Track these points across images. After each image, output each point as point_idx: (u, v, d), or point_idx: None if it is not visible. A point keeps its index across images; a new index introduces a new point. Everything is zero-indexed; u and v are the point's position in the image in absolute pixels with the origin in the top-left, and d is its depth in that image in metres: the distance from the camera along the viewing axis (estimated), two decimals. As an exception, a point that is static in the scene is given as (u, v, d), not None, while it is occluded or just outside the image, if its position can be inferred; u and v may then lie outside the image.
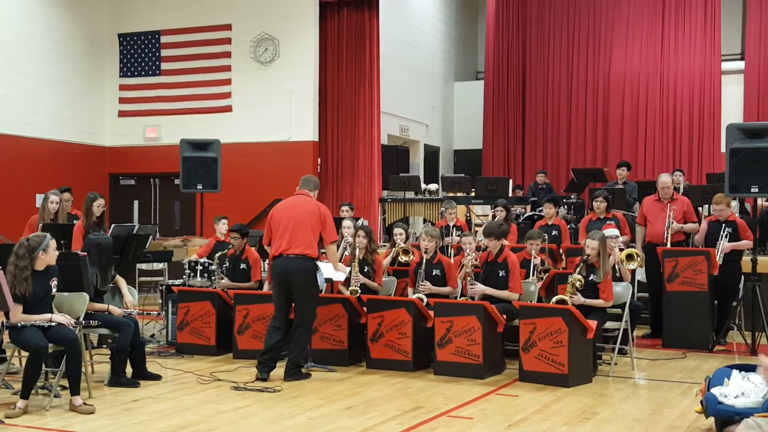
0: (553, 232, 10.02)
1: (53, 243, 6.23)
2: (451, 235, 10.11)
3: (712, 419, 5.46)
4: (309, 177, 7.63)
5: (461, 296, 8.01)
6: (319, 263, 7.31)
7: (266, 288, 8.46)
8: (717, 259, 8.74)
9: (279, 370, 7.16)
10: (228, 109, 13.93)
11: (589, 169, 14.57)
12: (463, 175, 14.70)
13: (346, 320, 7.81)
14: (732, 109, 15.93)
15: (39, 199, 10.82)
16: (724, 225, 8.95)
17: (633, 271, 8.40)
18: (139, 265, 10.77)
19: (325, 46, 13.87)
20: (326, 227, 7.25)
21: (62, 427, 5.61)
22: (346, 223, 9.06)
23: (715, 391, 5.39)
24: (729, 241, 8.87)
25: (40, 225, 9.05)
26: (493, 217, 10.78)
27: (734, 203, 10.39)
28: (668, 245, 9.04)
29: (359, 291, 8.00)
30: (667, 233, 9.12)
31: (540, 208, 11.67)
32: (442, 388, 6.90)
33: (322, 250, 7.58)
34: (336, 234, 7.49)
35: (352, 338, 7.82)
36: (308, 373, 7.32)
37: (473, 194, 13.27)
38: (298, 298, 7.17)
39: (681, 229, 9.23)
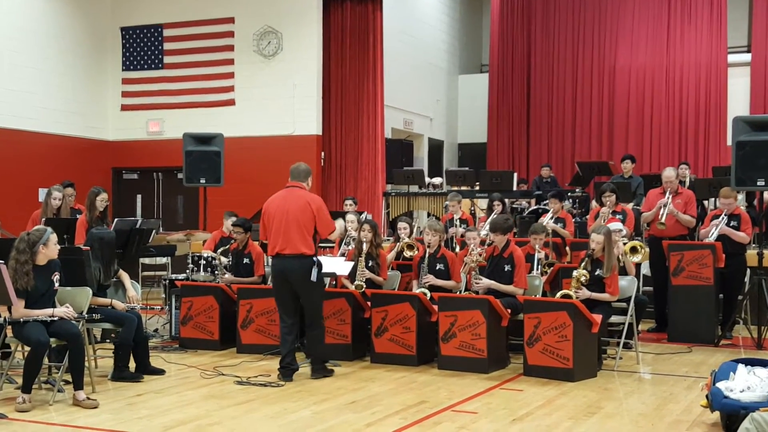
0: (559, 226, 9.97)
1: (54, 237, 6.20)
2: (456, 227, 10.08)
3: (717, 413, 5.44)
4: (299, 166, 7.24)
5: (465, 290, 7.98)
6: (320, 257, 7.25)
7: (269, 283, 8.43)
8: (709, 236, 8.76)
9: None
10: (231, 102, 13.91)
11: (594, 162, 14.54)
12: (467, 168, 14.68)
13: (350, 315, 7.78)
14: (738, 101, 15.88)
15: (42, 193, 10.80)
16: (729, 217, 8.92)
17: (638, 265, 8.35)
18: (142, 260, 10.74)
19: (328, 39, 13.83)
20: (320, 220, 7.00)
21: (66, 422, 5.61)
22: (350, 217, 9.01)
23: (720, 385, 5.36)
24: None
25: (43, 220, 9.02)
26: (490, 210, 10.81)
27: (741, 197, 10.33)
28: (663, 219, 9.02)
29: (364, 285, 7.97)
30: (664, 210, 9.06)
31: (545, 202, 11.63)
32: (446, 382, 6.87)
33: (321, 245, 7.47)
34: (333, 223, 7.25)
35: (356, 333, 7.80)
36: (332, 369, 7.19)
37: (477, 188, 13.24)
38: (303, 296, 7.05)
39: (676, 215, 9.15)
